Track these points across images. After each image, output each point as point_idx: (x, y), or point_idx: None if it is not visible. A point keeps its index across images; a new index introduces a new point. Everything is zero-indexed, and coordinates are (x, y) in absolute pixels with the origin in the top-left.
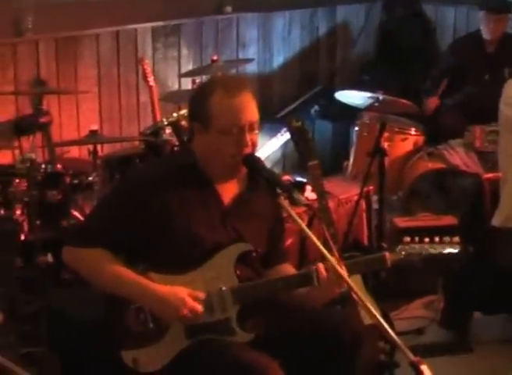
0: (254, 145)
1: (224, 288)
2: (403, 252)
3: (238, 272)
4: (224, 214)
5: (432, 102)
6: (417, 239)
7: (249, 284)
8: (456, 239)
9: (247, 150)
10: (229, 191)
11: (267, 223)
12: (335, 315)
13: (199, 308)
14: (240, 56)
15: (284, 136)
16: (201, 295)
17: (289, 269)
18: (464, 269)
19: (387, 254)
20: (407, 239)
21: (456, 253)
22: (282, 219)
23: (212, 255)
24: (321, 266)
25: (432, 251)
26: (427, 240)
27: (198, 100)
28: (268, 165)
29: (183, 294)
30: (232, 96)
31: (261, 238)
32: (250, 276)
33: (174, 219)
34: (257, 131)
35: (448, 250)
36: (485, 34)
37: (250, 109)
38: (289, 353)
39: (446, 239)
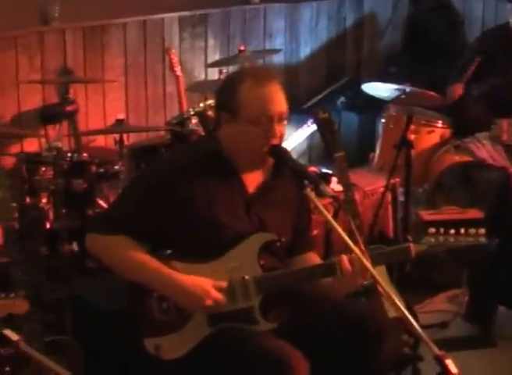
0: (281, 136)
1: (247, 277)
2: (428, 244)
3: (261, 261)
4: (248, 202)
5: (457, 89)
6: (442, 230)
7: (272, 274)
8: (482, 231)
9: (275, 141)
10: (253, 179)
11: (291, 212)
12: (359, 307)
13: (222, 298)
14: (267, 47)
15: (310, 127)
16: (224, 284)
17: (314, 258)
18: (489, 262)
19: (411, 245)
20: (432, 230)
21: (482, 245)
22: (308, 209)
23: (236, 244)
24: (344, 257)
25: (457, 242)
26: (452, 231)
27: (227, 90)
28: (294, 156)
29: (207, 284)
30: (261, 86)
31: (285, 227)
32: (273, 265)
33: (198, 207)
34: (285, 122)
35: (473, 242)
36: None
37: (279, 100)
38: (312, 344)
39: (472, 231)
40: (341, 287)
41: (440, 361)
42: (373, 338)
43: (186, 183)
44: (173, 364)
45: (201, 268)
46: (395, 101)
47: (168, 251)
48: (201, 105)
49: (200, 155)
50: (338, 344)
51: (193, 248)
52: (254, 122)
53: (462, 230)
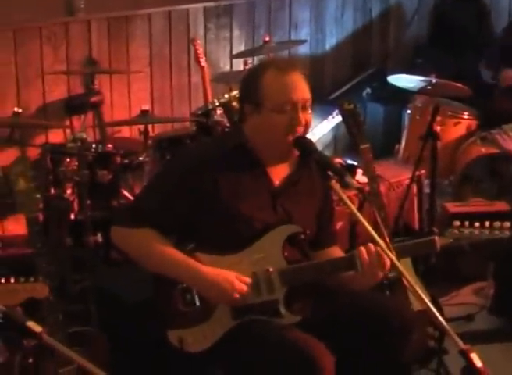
0: (307, 125)
1: (271, 269)
2: (453, 236)
3: (286, 253)
4: (274, 195)
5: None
6: (467, 223)
7: (296, 266)
8: (507, 224)
9: (301, 129)
10: (279, 172)
11: (316, 205)
12: (384, 300)
13: (247, 291)
14: (293, 37)
15: (336, 118)
16: (248, 280)
17: (337, 252)
18: None
19: (436, 238)
20: (457, 223)
21: (507, 238)
22: (331, 202)
23: (261, 236)
24: (362, 249)
25: (482, 235)
26: (477, 224)
27: (250, 81)
28: (319, 147)
29: (232, 277)
30: (284, 74)
31: (310, 219)
32: (298, 258)
33: (223, 199)
34: (310, 111)
35: (498, 235)
36: None
37: (303, 87)
38: (336, 337)
39: (497, 224)
40: (362, 280)
41: (465, 355)
42: (397, 332)
43: (211, 175)
44: (197, 357)
45: (226, 260)
46: (421, 92)
47: (192, 244)
48: (226, 95)
49: (225, 148)
50: (362, 338)
51: (217, 241)
52: (279, 110)
53: (487, 224)
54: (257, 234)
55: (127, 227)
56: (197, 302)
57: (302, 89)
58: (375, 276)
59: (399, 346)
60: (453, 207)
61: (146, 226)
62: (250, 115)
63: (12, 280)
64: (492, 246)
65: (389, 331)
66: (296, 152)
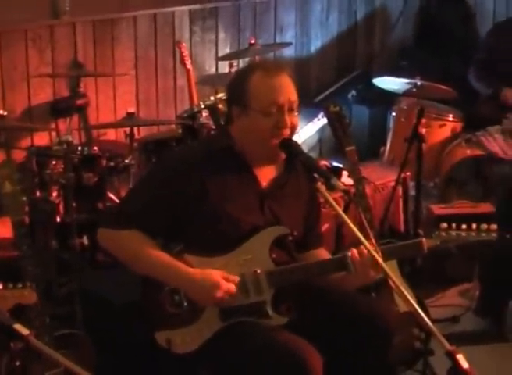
0: (293, 127)
1: (259, 271)
2: (440, 238)
3: (273, 255)
4: (261, 197)
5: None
6: (454, 225)
7: (284, 268)
8: (494, 226)
9: (287, 131)
10: (266, 174)
11: (303, 206)
12: (369, 302)
13: (234, 291)
14: (278, 40)
15: (321, 121)
16: (236, 279)
17: (324, 254)
18: (501, 257)
19: (424, 240)
20: (444, 225)
21: (493, 240)
22: (318, 204)
23: (248, 238)
24: (354, 251)
25: (469, 237)
26: (464, 226)
27: (237, 83)
28: (304, 149)
29: (218, 277)
30: (271, 76)
31: (297, 221)
32: (285, 259)
33: (211, 201)
34: (296, 113)
35: (485, 237)
36: None
37: (289, 89)
38: (323, 338)
39: (483, 226)
40: (354, 281)
41: (451, 356)
42: (382, 333)
43: (198, 177)
44: (185, 358)
45: (213, 261)
46: (406, 94)
47: (180, 246)
48: (212, 98)
49: (212, 149)
50: (348, 339)
51: (205, 242)
52: (265, 112)
53: (474, 226)
54: (245, 236)
55: (114, 229)
56: (185, 304)
57: (288, 91)
58: (367, 277)
59: (384, 347)
60: (438, 209)
61: (133, 228)
62: (237, 117)
63: (0, 286)
64: (478, 248)
65: (374, 332)
66: (284, 155)
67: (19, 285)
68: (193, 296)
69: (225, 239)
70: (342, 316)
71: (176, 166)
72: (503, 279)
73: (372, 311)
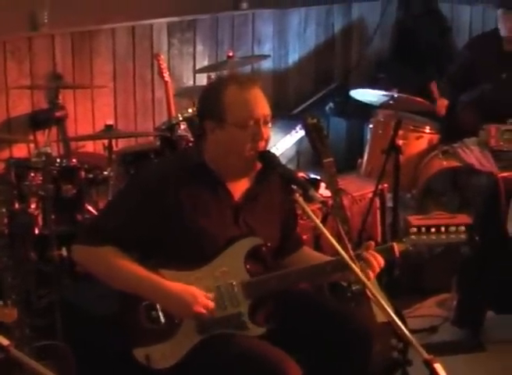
0: (267, 139)
1: (234, 283)
2: (410, 242)
3: (248, 266)
4: (235, 210)
5: (442, 105)
6: (423, 229)
7: (260, 278)
8: (462, 228)
9: (262, 143)
10: (239, 187)
11: (278, 216)
12: (348, 312)
13: (211, 304)
14: (256, 52)
15: (299, 133)
16: (212, 296)
17: (308, 251)
18: (478, 267)
19: (395, 244)
20: (414, 229)
21: (463, 242)
22: (295, 213)
23: (223, 250)
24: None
25: (439, 240)
26: (433, 230)
27: (210, 97)
28: (282, 161)
29: (195, 291)
30: (245, 90)
31: (272, 232)
32: (261, 270)
33: (186, 216)
34: (270, 125)
35: (454, 239)
36: (503, 32)
37: (264, 102)
38: (301, 349)
39: (452, 228)
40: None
41: (429, 365)
42: (361, 343)
43: (173, 192)
44: (165, 373)
45: (189, 275)
46: (383, 106)
47: (156, 259)
48: (190, 110)
49: (185, 166)
50: (327, 350)
51: (181, 257)
52: (241, 126)
53: (443, 229)
54: (220, 249)
55: (89, 246)
56: (162, 319)
57: (263, 105)
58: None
59: (362, 357)
60: (415, 220)
61: (108, 244)
62: (211, 131)
63: None
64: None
65: (352, 343)
66: (257, 166)
67: (0, 302)
68: (171, 310)
69: (201, 253)
70: (320, 326)
71: (150, 182)
72: (479, 290)
73: (351, 321)
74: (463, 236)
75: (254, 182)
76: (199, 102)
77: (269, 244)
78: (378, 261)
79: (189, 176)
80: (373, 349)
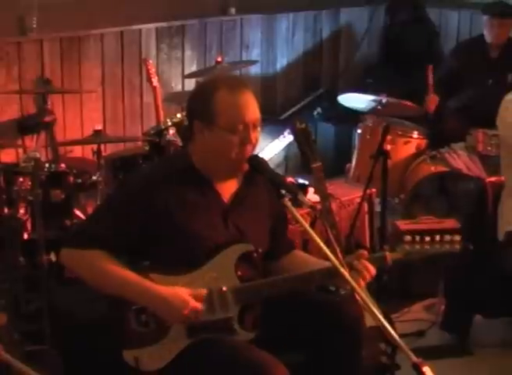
0: (255, 143)
1: (224, 288)
2: (404, 252)
3: (239, 272)
4: (225, 212)
5: (432, 100)
6: (418, 238)
7: (250, 284)
8: (457, 237)
9: (250, 147)
10: (228, 189)
11: (266, 220)
12: (335, 301)
13: (201, 308)
14: (244, 58)
15: (287, 138)
16: (203, 292)
17: (298, 255)
18: (466, 272)
19: (388, 253)
20: (408, 238)
21: (457, 252)
22: (284, 214)
23: (213, 256)
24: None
25: (433, 250)
26: (428, 239)
27: (200, 98)
28: (270, 166)
29: (185, 294)
30: (236, 94)
31: (262, 235)
32: (251, 276)
33: (175, 220)
34: (259, 129)
35: (449, 249)
36: (489, 39)
37: (254, 107)
38: (290, 353)
39: (447, 238)
40: None
41: (417, 368)
42: (349, 348)
43: (162, 196)
44: None
45: (179, 279)
46: (371, 112)
47: (146, 263)
48: (178, 115)
49: (173, 169)
50: (314, 354)
51: (170, 261)
52: (231, 129)
53: (437, 238)
54: (210, 254)
55: (78, 249)
56: (152, 323)
57: (254, 109)
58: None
59: (351, 361)
60: (403, 225)
61: (96, 248)
62: (199, 132)
63: None
64: (443, 260)
65: (340, 347)
66: (244, 168)
67: None
68: (160, 313)
69: (191, 257)
70: (308, 330)
71: (139, 186)
72: (467, 294)
73: (341, 308)
74: (457, 246)
75: (242, 184)
76: (189, 102)
77: (260, 250)
78: (370, 272)
79: (177, 179)
80: (361, 353)
